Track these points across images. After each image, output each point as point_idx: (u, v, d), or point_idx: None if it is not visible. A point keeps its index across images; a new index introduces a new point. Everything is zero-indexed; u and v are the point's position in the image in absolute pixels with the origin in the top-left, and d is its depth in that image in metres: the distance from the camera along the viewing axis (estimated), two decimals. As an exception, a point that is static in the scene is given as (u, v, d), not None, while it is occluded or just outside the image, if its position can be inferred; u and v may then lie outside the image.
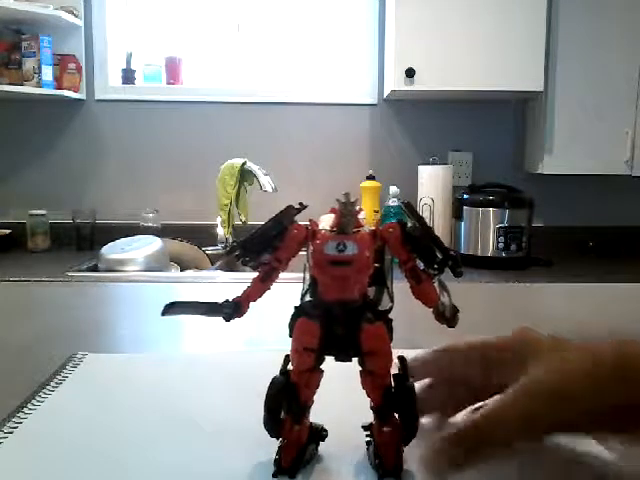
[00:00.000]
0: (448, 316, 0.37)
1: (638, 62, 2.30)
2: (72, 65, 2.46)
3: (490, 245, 2.21)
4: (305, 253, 0.38)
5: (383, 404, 0.38)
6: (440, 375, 0.43)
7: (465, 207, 2.25)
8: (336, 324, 0.37)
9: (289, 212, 0.38)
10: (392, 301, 0.38)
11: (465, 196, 2.27)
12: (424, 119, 2.58)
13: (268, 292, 0.39)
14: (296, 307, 0.38)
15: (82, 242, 2.39)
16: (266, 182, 2.13)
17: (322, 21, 2.62)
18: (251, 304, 0.39)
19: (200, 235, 2.36)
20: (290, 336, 0.38)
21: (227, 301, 0.38)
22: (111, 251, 1.95)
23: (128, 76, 2.56)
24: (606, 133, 2.32)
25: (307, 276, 0.38)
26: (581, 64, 2.30)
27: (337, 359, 0.38)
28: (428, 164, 2.41)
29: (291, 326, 0.38)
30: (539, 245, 2.36)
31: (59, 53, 2.44)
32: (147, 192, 2.55)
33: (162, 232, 2.27)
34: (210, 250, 2.25)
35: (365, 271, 0.36)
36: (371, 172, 2.46)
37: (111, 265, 1.91)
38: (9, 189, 2.53)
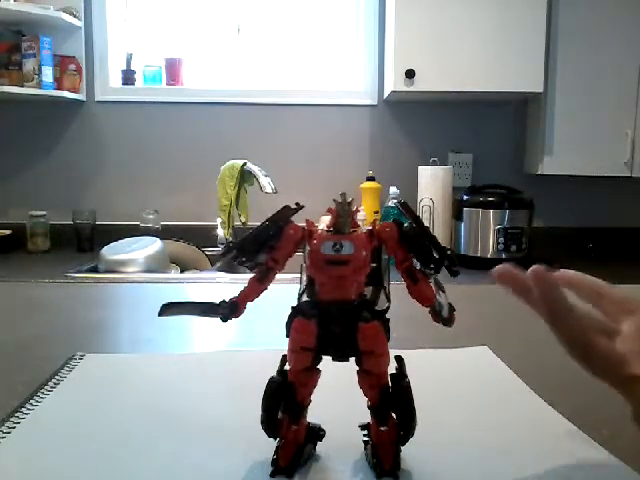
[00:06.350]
0: (445, 315, 0.37)
1: (638, 62, 2.30)
2: (72, 66, 2.46)
3: (490, 246, 2.21)
4: (302, 253, 0.38)
5: (380, 403, 0.38)
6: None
7: (465, 208, 2.25)
8: (333, 324, 0.37)
9: (285, 212, 0.38)
10: (389, 301, 0.38)
11: (465, 197, 2.27)
12: (424, 120, 2.58)
13: (265, 292, 0.39)
14: (293, 307, 0.38)
15: (82, 243, 2.38)
16: (266, 183, 2.13)
17: (322, 22, 2.63)
18: (248, 304, 0.39)
19: (200, 236, 2.36)
20: (287, 336, 0.38)
21: (224, 302, 0.38)
22: (111, 252, 1.95)
23: (128, 77, 2.56)
24: (606, 134, 2.32)
25: (304, 276, 0.38)
26: (581, 64, 2.29)
27: (334, 359, 0.38)
28: (428, 165, 2.41)
29: (288, 326, 0.38)
30: (539, 246, 2.35)
31: (59, 54, 2.44)
32: (147, 193, 2.54)
33: (162, 233, 2.27)
34: (210, 251, 2.25)
35: (362, 271, 0.36)
36: (371, 173, 2.46)
37: (111, 266, 1.91)
38: (9, 190, 2.53)
